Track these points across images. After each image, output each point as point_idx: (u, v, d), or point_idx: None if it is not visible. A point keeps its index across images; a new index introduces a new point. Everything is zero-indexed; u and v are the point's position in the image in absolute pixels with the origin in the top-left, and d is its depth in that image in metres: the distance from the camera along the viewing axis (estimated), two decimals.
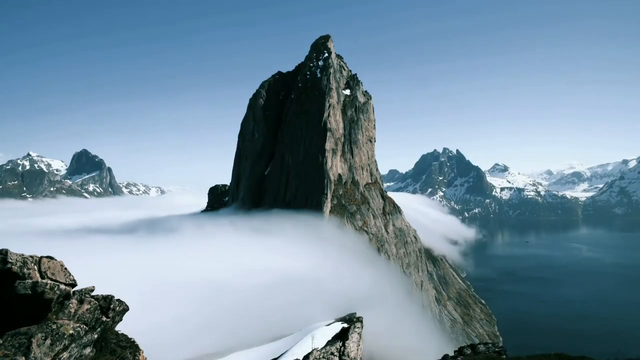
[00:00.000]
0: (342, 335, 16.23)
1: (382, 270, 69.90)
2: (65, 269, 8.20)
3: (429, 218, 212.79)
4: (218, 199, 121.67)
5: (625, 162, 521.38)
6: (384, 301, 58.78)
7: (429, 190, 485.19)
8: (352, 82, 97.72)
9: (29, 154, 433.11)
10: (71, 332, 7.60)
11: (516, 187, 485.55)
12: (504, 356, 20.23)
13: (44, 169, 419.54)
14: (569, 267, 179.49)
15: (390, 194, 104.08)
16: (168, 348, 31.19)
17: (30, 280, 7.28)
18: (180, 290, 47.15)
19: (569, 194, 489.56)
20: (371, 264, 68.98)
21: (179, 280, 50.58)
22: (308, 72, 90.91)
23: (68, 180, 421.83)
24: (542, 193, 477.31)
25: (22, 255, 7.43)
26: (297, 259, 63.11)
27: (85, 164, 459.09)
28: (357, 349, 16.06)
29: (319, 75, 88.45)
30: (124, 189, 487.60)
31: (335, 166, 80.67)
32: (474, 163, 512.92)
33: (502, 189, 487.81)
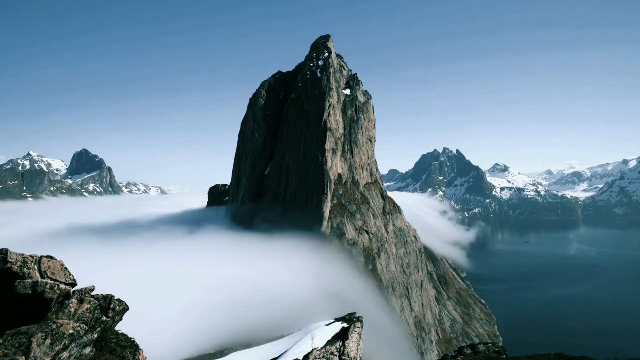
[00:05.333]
0: (342, 335, 16.22)
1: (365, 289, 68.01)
2: (66, 268, 8.20)
3: (429, 218, 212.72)
4: (218, 199, 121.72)
5: (625, 162, 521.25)
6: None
7: (429, 190, 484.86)
8: (353, 82, 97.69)
9: (29, 154, 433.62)
10: (71, 331, 7.60)
11: (516, 187, 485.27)
12: (504, 356, 20.24)
13: (44, 168, 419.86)
14: (569, 267, 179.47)
15: (391, 193, 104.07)
16: (168, 348, 31.22)
17: (30, 280, 7.29)
18: (181, 291, 47.20)
19: (569, 194, 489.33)
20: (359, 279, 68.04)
21: (179, 280, 50.62)
22: (308, 72, 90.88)
23: (68, 180, 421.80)
24: (543, 193, 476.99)
25: (22, 255, 7.43)
26: (295, 261, 63.15)
27: (86, 163, 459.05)
28: (357, 349, 16.06)
29: (319, 75, 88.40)
30: (124, 189, 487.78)
31: (336, 166, 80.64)
32: (474, 163, 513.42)
33: (502, 189, 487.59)
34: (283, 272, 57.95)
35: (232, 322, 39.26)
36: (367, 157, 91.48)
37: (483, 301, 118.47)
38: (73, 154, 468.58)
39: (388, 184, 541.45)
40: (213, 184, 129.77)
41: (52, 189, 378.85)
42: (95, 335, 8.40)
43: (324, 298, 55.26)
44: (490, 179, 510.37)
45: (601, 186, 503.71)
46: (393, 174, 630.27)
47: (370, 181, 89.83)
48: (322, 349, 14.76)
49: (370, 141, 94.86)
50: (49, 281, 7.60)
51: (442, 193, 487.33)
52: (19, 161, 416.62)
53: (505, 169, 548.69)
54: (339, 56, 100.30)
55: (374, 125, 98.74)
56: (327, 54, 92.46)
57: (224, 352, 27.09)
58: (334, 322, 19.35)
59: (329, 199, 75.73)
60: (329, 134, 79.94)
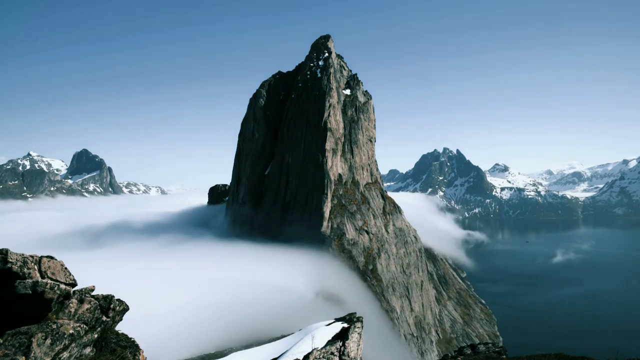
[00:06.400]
0: (342, 335, 16.22)
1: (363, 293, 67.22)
2: (66, 268, 8.20)
3: (429, 218, 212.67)
4: (218, 199, 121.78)
5: (625, 162, 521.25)
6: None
7: (429, 190, 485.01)
8: (353, 82, 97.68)
9: (29, 154, 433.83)
10: (71, 331, 7.60)
11: (516, 187, 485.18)
12: (504, 356, 20.25)
13: (45, 168, 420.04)
14: (569, 267, 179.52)
15: (390, 193, 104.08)
16: (168, 348, 31.22)
17: (30, 280, 7.29)
18: (181, 291, 47.20)
19: (569, 194, 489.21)
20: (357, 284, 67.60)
21: (179, 281, 50.63)
22: (308, 72, 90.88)
23: (68, 180, 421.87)
24: (543, 193, 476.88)
25: (22, 255, 7.43)
26: (295, 261, 63.17)
27: (86, 163, 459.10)
28: (357, 349, 16.06)
29: (319, 75, 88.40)
30: (124, 189, 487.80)
31: (336, 166, 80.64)
32: (474, 163, 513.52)
33: (502, 189, 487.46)
34: (283, 272, 57.97)
35: (232, 322, 39.28)
36: (367, 157, 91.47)
37: (483, 301, 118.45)
38: (73, 154, 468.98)
39: (388, 184, 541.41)
40: (213, 184, 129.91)
41: (52, 189, 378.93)
42: (95, 335, 8.40)
43: (324, 298, 55.31)
44: (490, 179, 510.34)
45: (601, 186, 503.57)
46: (393, 174, 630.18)
47: (370, 181, 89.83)
48: (322, 349, 14.77)
49: (370, 141, 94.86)
50: (49, 281, 7.59)
51: (442, 193, 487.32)
52: (19, 161, 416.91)
53: (505, 169, 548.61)
54: (339, 56, 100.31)
55: (374, 125, 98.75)
56: (327, 54, 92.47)
57: (224, 352, 27.09)
58: (334, 322, 19.35)
59: (329, 199, 75.73)
60: (329, 134, 79.95)
